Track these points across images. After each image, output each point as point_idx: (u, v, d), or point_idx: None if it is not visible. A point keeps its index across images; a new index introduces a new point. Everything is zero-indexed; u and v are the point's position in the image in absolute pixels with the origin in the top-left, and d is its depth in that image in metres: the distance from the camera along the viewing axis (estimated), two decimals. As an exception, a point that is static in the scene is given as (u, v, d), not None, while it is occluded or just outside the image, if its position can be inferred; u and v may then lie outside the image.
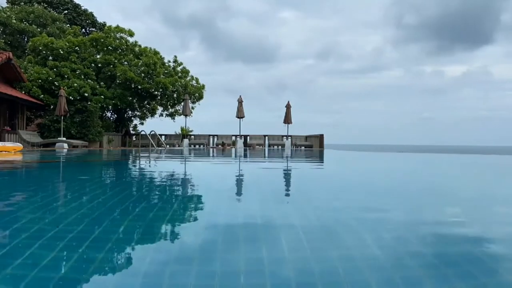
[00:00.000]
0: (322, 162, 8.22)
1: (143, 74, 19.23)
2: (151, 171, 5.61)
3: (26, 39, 23.12)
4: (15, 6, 24.26)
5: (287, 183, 4.16)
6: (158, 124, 29.78)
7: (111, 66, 19.42)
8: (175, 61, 21.73)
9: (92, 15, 29.36)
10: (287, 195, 3.16)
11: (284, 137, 19.88)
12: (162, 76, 19.83)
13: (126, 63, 19.86)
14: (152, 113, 22.92)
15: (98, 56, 20.05)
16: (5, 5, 25.04)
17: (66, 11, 27.81)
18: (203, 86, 22.24)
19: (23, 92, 16.85)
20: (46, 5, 26.24)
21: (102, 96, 18.33)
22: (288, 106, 19.46)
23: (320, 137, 19.15)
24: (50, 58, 18.62)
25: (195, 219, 2.12)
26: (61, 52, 18.49)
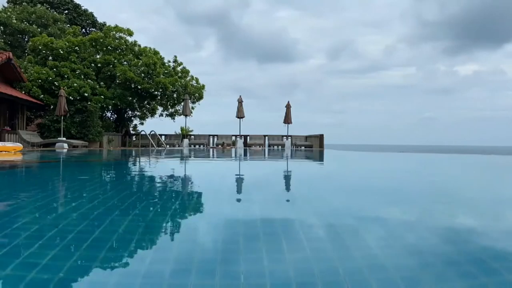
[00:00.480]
0: (322, 162, 8.22)
1: (143, 74, 19.23)
2: (151, 171, 5.61)
3: (26, 39, 23.13)
4: (17, 6, 24.27)
5: (286, 183, 4.16)
6: (158, 124, 29.86)
7: (111, 66, 19.43)
8: (175, 61, 21.75)
9: (92, 15, 29.38)
10: (286, 194, 3.16)
11: (284, 137, 19.89)
12: (162, 76, 19.84)
13: (125, 63, 19.87)
14: (152, 113, 22.94)
15: (98, 56, 20.06)
16: (6, 5, 25.05)
17: (66, 11, 27.83)
18: (203, 86, 22.28)
19: (23, 92, 16.85)
20: (48, 6, 26.26)
21: (102, 96, 18.34)
22: (288, 106, 19.48)
23: (320, 137, 19.15)
24: (50, 58, 18.63)
25: (195, 219, 2.12)
26: (61, 52, 18.50)
